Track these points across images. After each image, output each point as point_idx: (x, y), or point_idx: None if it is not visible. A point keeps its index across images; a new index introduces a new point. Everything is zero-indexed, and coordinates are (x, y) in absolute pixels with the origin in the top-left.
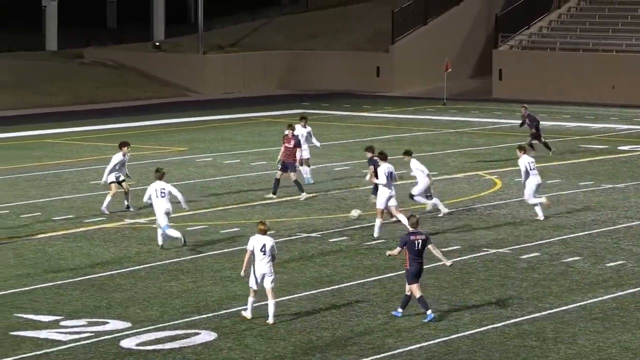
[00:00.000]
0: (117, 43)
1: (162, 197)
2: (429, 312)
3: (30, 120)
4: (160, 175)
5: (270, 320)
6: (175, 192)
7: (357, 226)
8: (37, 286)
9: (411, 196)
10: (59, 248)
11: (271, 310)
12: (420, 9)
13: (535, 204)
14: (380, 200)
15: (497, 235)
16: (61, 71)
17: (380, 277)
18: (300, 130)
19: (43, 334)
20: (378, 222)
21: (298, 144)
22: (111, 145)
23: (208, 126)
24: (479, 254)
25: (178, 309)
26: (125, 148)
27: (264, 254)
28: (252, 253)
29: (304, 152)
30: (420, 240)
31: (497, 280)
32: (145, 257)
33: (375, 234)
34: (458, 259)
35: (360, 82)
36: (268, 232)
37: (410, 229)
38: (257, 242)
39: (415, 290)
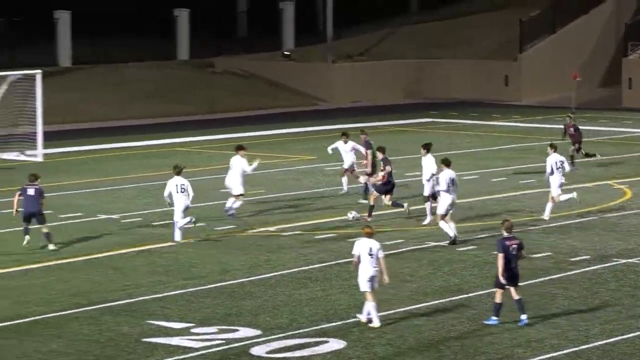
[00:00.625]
0: (247, 52)
1: (182, 192)
2: (524, 315)
3: (162, 129)
4: (178, 170)
5: (367, 319)
6: (190, 188)
7: (485, 235)
8: (169, 293)
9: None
10: (190, 255)
11: (374, 312)
12: (549, 18)
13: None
14: (441, 206)
15: (627, 245)
16: (192, 80)
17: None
18: (343, 147)
19: (175, 340)
20: (444, 226)
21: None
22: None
23: (336, 135)
24: (608, 264)
25: (307, 317)
26: (242, 151)
27: (372, 257)
28: (359, 257)
29: (346, 164)
30: (515, 245)
31: (627, 291)
32: (274, 265)
33: (452, 234)
34: (587, 269)
35: (489, 90)
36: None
37: (505, 234)
38: (363, 245)
39: (513, 293)
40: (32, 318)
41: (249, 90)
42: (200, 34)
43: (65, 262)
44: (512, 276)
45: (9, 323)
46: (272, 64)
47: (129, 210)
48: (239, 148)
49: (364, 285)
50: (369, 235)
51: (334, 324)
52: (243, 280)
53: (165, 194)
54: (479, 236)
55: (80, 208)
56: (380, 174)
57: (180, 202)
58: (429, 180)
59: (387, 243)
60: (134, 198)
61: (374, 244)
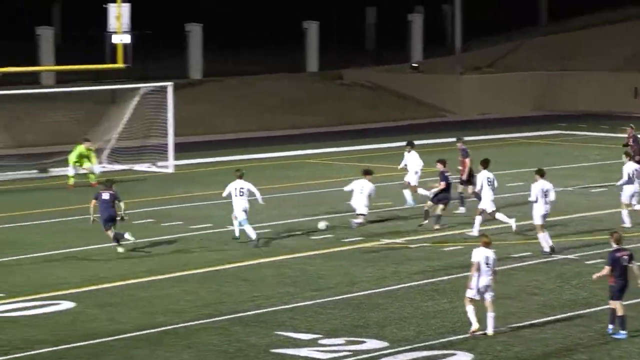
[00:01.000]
0: (375, 64)
1: (241, 195)
2: (624, 332)
3: (292, 141)
4: (240, 174)
5: (490, 331)
6: (254, 189)
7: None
8: (297, 304)
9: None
10: (318, 267)
11: (491, 322)
12: None
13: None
14: (536, 216)
15: None
16: (321, 92)
17: (637, 300)
18: (406, 157)
19: (303, 352)
20: (541, 237)
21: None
22: (371, 166)
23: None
24: None
25: (434, 329)
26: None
27: (488, 267)
28: (479, 265)
29: (409, 177)
30: (626, 257)
31: None
32: (401, 276)
33: (546, 249)
34: None
35: (617, 103)
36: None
37: (615, 246)
38: (481, 254)
39: (619, 307)
40: (163, 328)
41: (376, 102)
42: (329, 46)
43: (193, 273)
44: (622, 287)
45: (140, 333)
46: (400, 76)
47: (258, 222)
48: (367, 173)
49: (479, 294)
50: (487, 245)
51: (460, 336)
52: (370, 291)
53: (224, 194)
54: (608, 249)
55: (211, 219)
56: (433, 190)
57: (239, 204)
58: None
59: (514, 255)
60: (264, 209)
61: (491, 254)
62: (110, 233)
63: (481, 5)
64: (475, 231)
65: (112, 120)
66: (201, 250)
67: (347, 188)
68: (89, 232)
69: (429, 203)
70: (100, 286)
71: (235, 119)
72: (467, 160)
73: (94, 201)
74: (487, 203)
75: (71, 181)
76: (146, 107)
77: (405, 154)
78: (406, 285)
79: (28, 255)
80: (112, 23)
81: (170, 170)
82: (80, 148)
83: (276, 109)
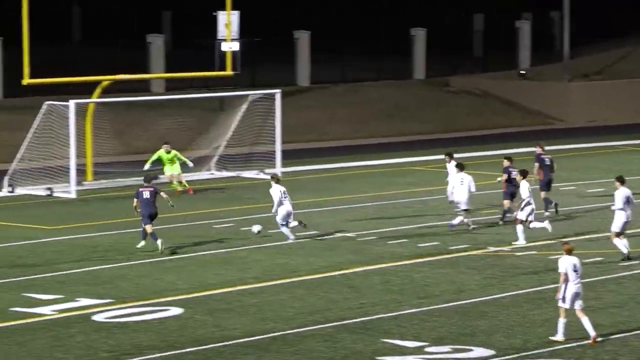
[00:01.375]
0: (482, 71)
1: (285, 198)
2: None
3: (399, 148)
4: (276, 179)
5: (593, 332)
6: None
7: None
8: (403, 312)
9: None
10: (425, 274)
11: (589, 325)
12: None
13: None
14: (616, 224)
15: None
16: (429, 99)
17: None
18: (448, 167)
19: (409, 359)
20: (618, 242)
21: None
22: (476, 174)
23: (572, 154)
24: None
25: (541, 337)
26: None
27: (577, 274)
28: (566, 274)
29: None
30: None
31: None
32: (508, 285)
33: (625, 251)
34: None
35: None
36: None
37: None
38: (568, 262)
39: None
40: (271, 335)
41: (483, 109)
42: (436, 52)
43: (301, 280)
44: None
45: (248, 339)
46: (507, 83)
47: (366, 229)
48: (460, 166)
49: (568, 302)
50: (570, 252)
51: (567, 345)
52: (476, 299)
53: (275, 200)
54: None
55: (318, 226)
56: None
57: (285, 207)
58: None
59: (623, 264)
60: (371, 216)
61: (577, 261)
62: (149, 229)
63: (590, 11)
64: (522, 240)
65: (220, 127)
66: (307, 257)
67: (449, 186)
68: (198, 239)
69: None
70: (209, 292)
71: (342, 126)
72: (536, 166)
73: (135, 200)
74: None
75: (178, 187)
76: (254, 114)
77: (447, 165)
78: (513, 293)
79: (137, 262)
80: (222, 30)
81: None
82: (160, 153)
83: (383, 116)
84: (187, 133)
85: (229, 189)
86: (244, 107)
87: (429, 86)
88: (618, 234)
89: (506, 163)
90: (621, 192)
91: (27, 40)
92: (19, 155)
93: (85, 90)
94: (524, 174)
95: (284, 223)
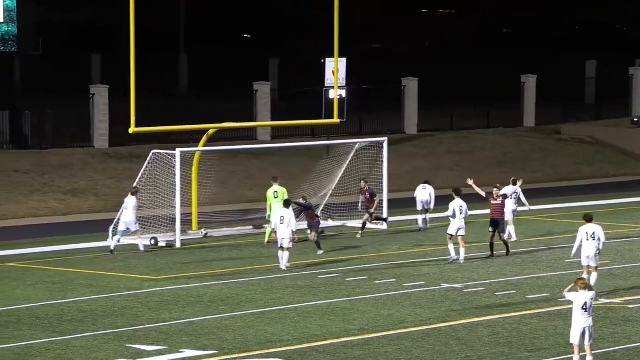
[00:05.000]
0: (594, 119)
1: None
2: None
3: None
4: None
5: None
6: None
7: None
8: None
9: None
10: (533, 327)
11: None
12: None
13: None
14: None
15: None
16: (539, 147)
17: None
18: (508, 190)
19: None
20: None
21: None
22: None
23: None
24: None
25: None
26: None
27: (585, 311)
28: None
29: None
30: None
31: None
32: (619, 338)
33: None
34: None
35: None
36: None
37: None
38: (579, 298)
39: None
40: None
41: (595, 158)
42: (547, 100)
43: (407, 332)
44: None
45: None
46: (620, 131)
47: (473, 279)
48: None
49: (574, 337)
50: (584, 287)
51: None
52: (586, 353)
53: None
54: None
55: (423, 277)
56: None
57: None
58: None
59: None
60: (478, 267)
61: (588, 297)
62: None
63: None
64: None
65: (326, 175)
66: (414, 308)
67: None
68: (303, 290)
69: None
70: (313, 344)
71: (452, 174)
72: None
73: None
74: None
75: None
76: (361, 162)
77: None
78: (624, 347)
79: (241, 312)
80: (329, 78)
81: (384, 226)
82: (269, 192)
83: (492, 164)
84: (292, 182)
85: (335, 238)
86: (351, 154)
87: (540, 134)
88: None
89: None
90: None
91: (134, 89)
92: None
93: (191, 138)
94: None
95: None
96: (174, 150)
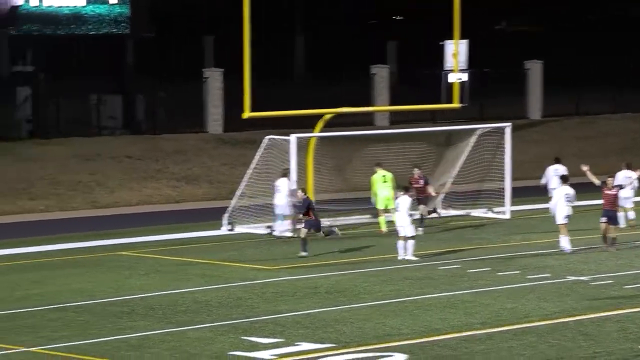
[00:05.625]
0: None
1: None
2: None
3: None
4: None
5: None
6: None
7: None
8: None
9: None
10: None
11: None
12: None
13: None
14: None
15: None
16: None
17: None
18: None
19: None
20: None
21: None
22: None
23: None
24: None
25: None
26: None
27: None
28: None
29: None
30: None
31: None
32: None
33: None
34: None
35: None
36: None
37: None
38: None
39: None
40: None
41: None
42: None
43: (532, 326)
44: None
45: None
46: None
47: (600, 272)
48: None
49: None
50: None
51: None
52: None
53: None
54: None
55: (549, 269)
56: None
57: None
58: None
59: None
60: (606, 259)
61: None
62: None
63: None
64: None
65: (447, 163)
66: (538, 302)
67: None
68: (422, 281)
69: None
70: (433, 338)
71: (573, 161)
72: None
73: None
74: None
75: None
76: (482, 149)
77: None
78: None
79: (359, 305)
80: (449, 61)
81: (507, 216)
82: (375, 177)
83: (620, 150)
84: (411, 169)
85: (455, 229)
86: (472, 141)
87: None
88: None
89: None
90: None
91: (248, 72)
92: (238, 192)
93: (307, 123)
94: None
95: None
96: (289, 135)
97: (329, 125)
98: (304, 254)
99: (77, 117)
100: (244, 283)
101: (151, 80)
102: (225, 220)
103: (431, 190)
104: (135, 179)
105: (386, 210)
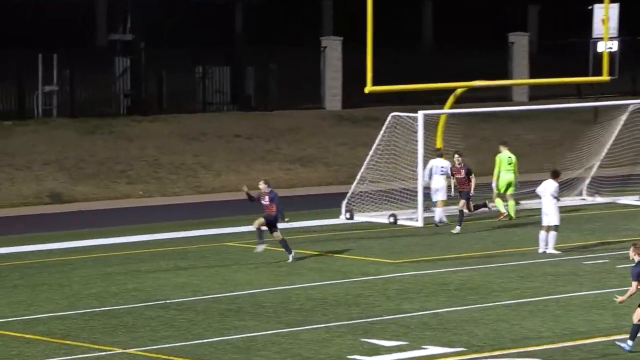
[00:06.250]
0: None
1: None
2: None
3: None
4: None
5: None
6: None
7: None
8: None
9: None
10: None
11: None
12: None
13: None
14: None
15: None
16: None
17: None
18: None
19: None
20: None
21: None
22: None
23: None
24: None
25: None
26: None
27: None
28: None
29: None
30: None
31: None
32: None
33: None
34: None
35: None
36: None
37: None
38: None
39: None
40: None
41: None
42: None
43: None
44: None
45: None
46: None
47: None
48: None
49: None
50: None
51: None
52: None
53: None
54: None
55: None
56: None
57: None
58: None
59: None
60: None
61: None
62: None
63: None
64: None
65: (593, 143)
66: None
67: None
68: (565, 278)
69: None
70: (578, 342)
71: None
72: None
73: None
74: None
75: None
76: (635, 128)
77: None
78: None
79: (495, 303)
80: (597, 28)
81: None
82: (501, 157)
83: None
84: (554, 150)
85: (603, 218)
86: (623, 119)
87: None
88: None
89: None
90: None
91: (371, 41)
92: (359, 176)
93: (436, 99)
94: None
95: None
96: (416, 112)
97: (460, 101)
98: (290, 258)
99: (181, 92)
100: (364, 278)
101: (262, 51)
102: (343, 208)
103: (473, 182)
104: (244, 161)
105: (502, 196)
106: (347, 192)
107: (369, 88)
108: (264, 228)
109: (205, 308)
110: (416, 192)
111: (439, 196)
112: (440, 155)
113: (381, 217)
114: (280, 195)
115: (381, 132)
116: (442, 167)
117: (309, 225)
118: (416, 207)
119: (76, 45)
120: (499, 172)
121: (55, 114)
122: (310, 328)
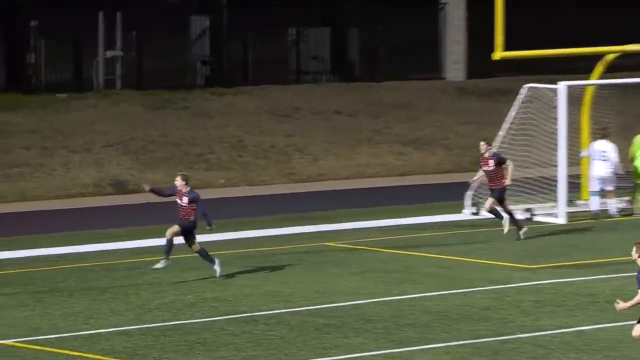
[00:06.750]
0: None
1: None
2: None
3: None
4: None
5: None
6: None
7: None
8: None
9: None
10: None
11: None
12: None
13: None
14: None
15: None
16: None
17: None
18: None
19: None
20: None
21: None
22: None
23: None
24: None
25: None
26: None
27: None
28: None
29: None
30: None
31: None
32: None
33: None
34: None
35: None
36: None
37: None
38: None
39: None
40: None
41: None
42: None
43: None
44: None
45: None
46: None
47: None
48: None
49: None
50: None
51: None
52: None
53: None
54: None
55: None
56: None
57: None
58: None
59: None
60: None
61: None
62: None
63: None
64: None
65: None
66: None
67: None
68: None
69: None
70: None
71: None
72: None
73: None
74: None
75: None
76: None
77: None
78: None
79: None
80: None
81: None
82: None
83: None
84: None
85: None
86: None
87: None
88: None
89: None
90: None
91: (502, 2)
92: None
93: (581, 67)
94: None
95: None
96: (556, 83)
97: (612, 70)
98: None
99: (270, 58)
100: (492, 287)
101: (369, 9)
102: (467, 201)
103: (510, 171)
104: (346, 143)
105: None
106: (472, 182)
107: (498, 54)
108: (178, 239)
109: (300, 322)
110: (556, 181)
111: (606, 186)
112: (605, 137)
113: (515, 212)
114: (391, 185)
115: (514, 108)
116: (603, 151)
117: (424, 221)
118: (556, 200)
119: (144, 2)
120: (636, 157)
121: (119, 85)
122: (427, 348)
